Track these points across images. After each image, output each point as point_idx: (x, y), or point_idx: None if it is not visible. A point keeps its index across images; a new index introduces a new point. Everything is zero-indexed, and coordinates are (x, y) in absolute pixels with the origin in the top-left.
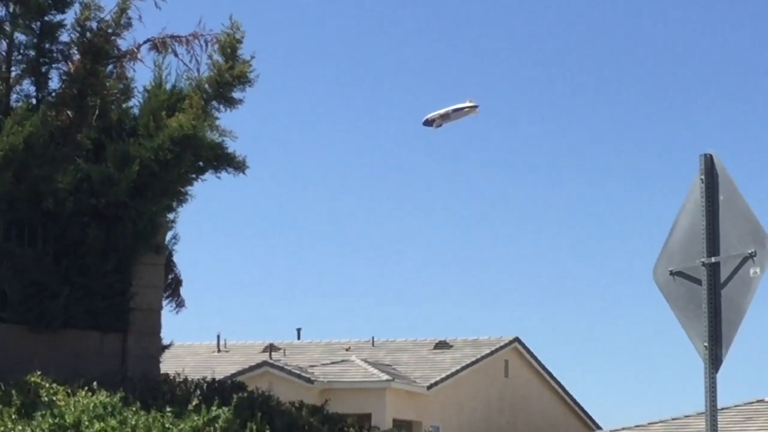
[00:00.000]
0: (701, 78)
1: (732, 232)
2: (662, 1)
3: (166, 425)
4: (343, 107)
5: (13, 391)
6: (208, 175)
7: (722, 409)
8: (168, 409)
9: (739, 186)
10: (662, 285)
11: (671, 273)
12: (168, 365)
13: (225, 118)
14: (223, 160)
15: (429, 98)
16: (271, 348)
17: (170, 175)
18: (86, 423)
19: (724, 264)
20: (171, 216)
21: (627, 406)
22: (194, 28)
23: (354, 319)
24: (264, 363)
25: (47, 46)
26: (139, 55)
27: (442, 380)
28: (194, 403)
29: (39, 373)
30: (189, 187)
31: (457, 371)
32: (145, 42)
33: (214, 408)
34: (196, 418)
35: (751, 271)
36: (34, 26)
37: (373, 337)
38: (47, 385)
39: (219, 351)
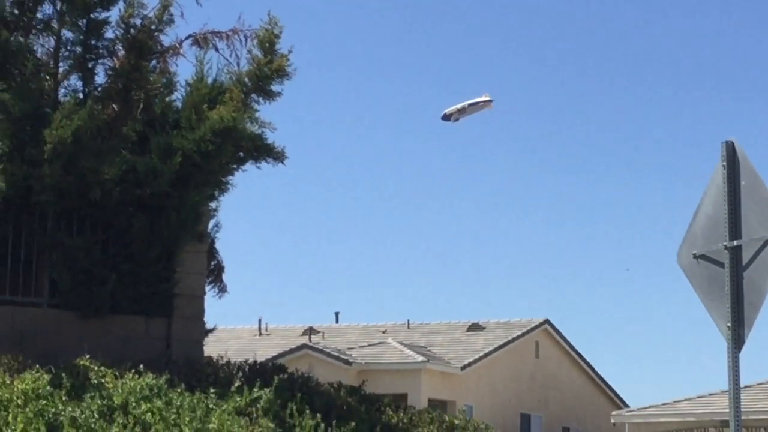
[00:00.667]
0: (723, 66)
1: (753, 217)
2: None
3: (210, 406)
4: (373, 102)
5: (64, 374)
6: (249, 165)
7: (745, 387)
8: (211, 390)
9: (760, 172)
10: (686, 268)
11: (695, 256)
12: (211, 348)
13: (264, 110)
14: (262, 150)
15: (450, 93)
16: (310, 331)
17: (212, 165)
18: (133, 404)
19: (746, 247)
20: (213, 205)
21: (653, 385)
22: (234, 24)
23: (390, 303)
24: (304, 346)
25: (93, 42)
26: (181, 51)
27: (475, 361)
28: (237, 384)
29: (88, 356)
30: (230, 177)
31: (490, 352)
32: (187, 38)
33: (255, 389)
34: (238, 399)
35: None
36: (80, 24)
37: (408, 320)
38: (96, 368)
39: (260, 334)
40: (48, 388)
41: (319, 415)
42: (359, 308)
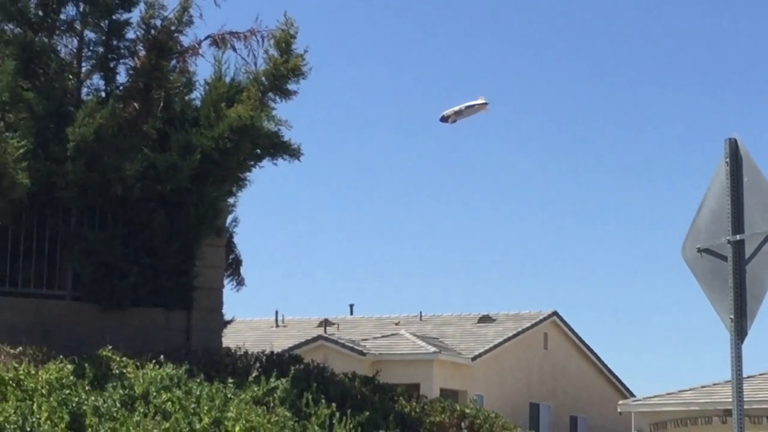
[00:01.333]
0: (725, 64)
1: (756, 212)
2: None
3: (228, 395)
4: (380, 101)
5: (87, 364)
6: (266, 162)
7: (747, 377)
8: (230, 380)
9: (762, 169)
10: (690, 261)
11: (699, 250)
12: (229, 340)
13: (281, 108)
14: (279, 147)
15: (451, 93)
16: (325, 323)
17: (230, 162)
18: (154, 393)
19: (749, 241)
20: (231, 200)
21: (659, 375)
22: (251, 24)
23: (403, 296)
24: (319, 337)
25: (115, 43)
26: (200, 51)
27: (486, 352)
28: (254, 374)
29: (110, 347)
30: (248, 174)
31: (500, 343)
32: (205, 38)
33: (272, 379)
34: (256, 388)
35: None
36: (102, 25)
37: (420, 312)
38: (118, 359)
39: (277, 326)
40: (71, 378)
41: (334, 405)
42: (373, 301)
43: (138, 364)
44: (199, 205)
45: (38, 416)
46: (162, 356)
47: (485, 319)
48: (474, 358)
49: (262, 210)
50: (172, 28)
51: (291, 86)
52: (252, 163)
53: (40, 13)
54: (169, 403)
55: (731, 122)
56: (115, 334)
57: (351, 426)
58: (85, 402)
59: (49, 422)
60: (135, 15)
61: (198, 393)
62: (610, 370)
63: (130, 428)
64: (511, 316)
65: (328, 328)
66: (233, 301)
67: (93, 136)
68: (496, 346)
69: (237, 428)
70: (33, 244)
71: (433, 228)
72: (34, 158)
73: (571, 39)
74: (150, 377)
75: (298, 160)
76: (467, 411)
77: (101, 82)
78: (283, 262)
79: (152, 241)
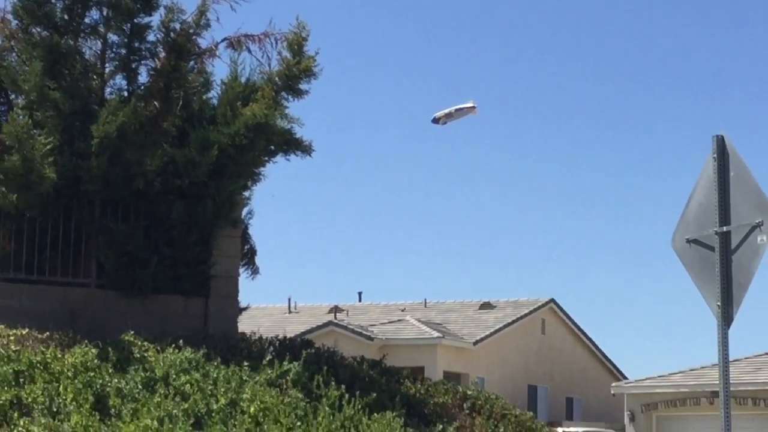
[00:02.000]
0: (714, 65)
1: (741, 205)
2: None
3: (244, 378)
4: (384, 100)
5: (110, 349)
6: (279, 158)
7: (734, 360)
8: (245, 363)
9: (748, 163)
10: (680, 252)
11: (688, 241)
12: (245, 325)
13: (293, 107)
14: (291, 144)
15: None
16: (335, 309)
17: (245, 158)
18: (174, 376)
19: (735, 232)
20: (246, 194)
21: (650, 359)
22: (265, 27)
23: (409, 284)
24: (329, 323)
25: (136, 45)
26: (217, 53)
27: (487, 337)
28: (268, 358)
29: (132, 332)
30: (262, 169)
31: (500, 329)
32: (222, 41)
33: (285, 362)
34: (269, 371)
35: (759, 238)
36: (124, 28)
37: (425, 299)
38: (139, 343)
39: (290, 312)
40: (96, 361)
41: (343, 386)
42: (380, 288)
43: (158, 348)
44: (216, 199)
45: (64, 397)
46: (181, 341)
47: (486, 306)
48: (476, 343)
49: (276, 202)
50: (191, 31)
51: (303, 86)
52: (266, 158)
53: (66, 17)
54: (188, 385)
55: (719, 119)
56: (136, 320)
57: (359, 407)
58: (109, 384)
59: (74, 403)
60: (155, 19)
61: (215, 375)
62: (604, 354)
63: (151, 409)
64: (510, 303)
65: (337, 314)
66: (248, 289)
67: (116, 133)
68: (496, 332)
69: (252, 409)
70: (59, 234)
71: (438, 220)
72: (61, 154)
73: (561, 39)
74: (170, 361)
75: (310, 156)
76: (469, 393)
77: (124, 82)
78: (295, 252)
79: (172, 232)
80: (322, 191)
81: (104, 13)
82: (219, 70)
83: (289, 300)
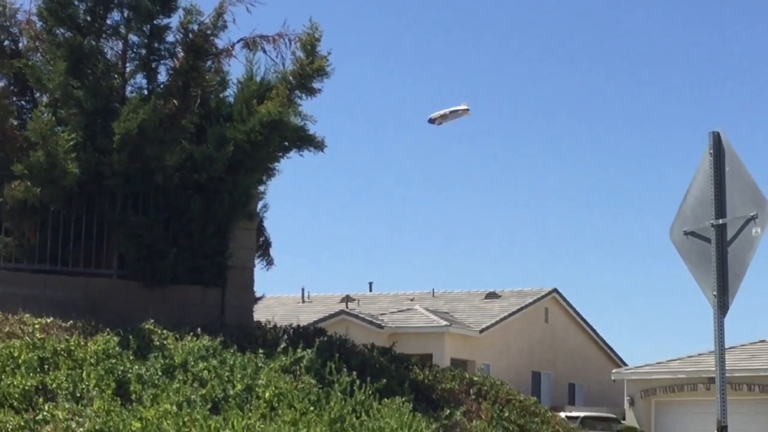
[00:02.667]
0: (710, 62)
1: (737, 198)
2: None
3: (259, 364)
4: (400, 98)
5: (131, 337)
6: (293, 153)
7: (729, 348)
8: (260, 351)
9: (743, 159)
10: (678, 243)
11: (685, 233)
12: (260, 314)
13: (306, 104)
14: (305, 140)
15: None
16: (347, 299)
17: (260, 153)
18: (192, 363)
19: (730, 225)
20: (261, 188)
21: (649, 346)
22: (279, 28)
23: (417, 274)
24: (341, 312)
25: (156, 45)
26: (233, 53)
27: (492, 325)
28: (282, 345)
29: (152, 321)
30: (276, 164)
31: (505, 318)
32: (238, 41)
33: (299, 350)
34: (284, 358)
35: (753, 231)
36: (144, 29)
37: (433, 289)
38: (159, 332)
39: (303, 302)
40: (117, 348)
41: (354, 373)
42: (390, 278)
43: (177, 336)
44: (233, 193)
45: (87, 383)
46: (199, 329)
47: (492, 296)
48: (481, 331)
49: (290, 196)
50: (208, 32)
51: (316, 85)
52: (280, 154)
53: (89, 18)
54: (206, 371)
55: (715, 117)
56: (156, 309)
57: (370, 392)
58: (130, 370)
59: (97, 388)
60: (174, 20)
61: (232, 362)
62: (605, 342)
63: (170, 394)
64: (515, 292)
65: (349, 303)
66: (263, 280)
67: (136, 129)
68: (501, 320)
69: (267, 394)
70: (82, 227)
71: (446, 213)
72: (84, 150)
73: (562, 39)
74: (188, 348)
75: (322, 151)
76: (475, 379)
77: (144, 81)
78: (308, 244)
79: (190, 225)
80: (335, 185)
81: (125, 15)
82: (235, 69)
83: (303, 290)
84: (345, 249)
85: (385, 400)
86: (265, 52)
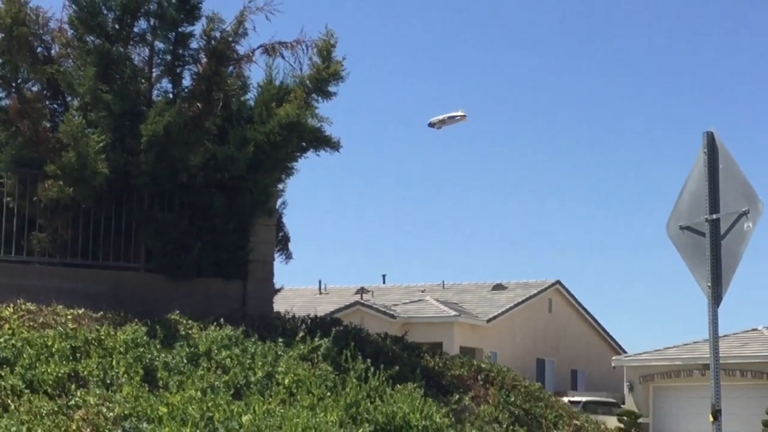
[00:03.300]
0: (705, 62)
1: (729, 194)
2: None
3: (279, 353)
4: (399, 100)
5: (158, 327)
6: (310, 154)
7: (723, 336)
8: (280, 340)
9: (735, 157)
10: (674, 238)
11: (681, 228)
12: (279, 305)
13: (322, 107)
14: (321, 141)
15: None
16: (362, 290)
17: (279, 153)
18: (215, 351)
19: (724, 220)
20: (280, 186)
21: (648, 334)
22: (297, 35)
23: (428, 267)
24: (356, 303)
25: (180, 52)
26: (253, 58)
27: (499, 315)
28: (300, 335)
29: (177, 312)
30: (294, 163)
31: (511, 308)
32: (258, 47)
33: (316, 339)
34: (302, 346)
35: (745, 225)
36: (170, 36)
37: (443, 281)
38: (184, 322)
39: (320, 293)
40: (145, 338)
41: (369, 360)
42: (403, 271)
43: (201, 326)
44: (254, 191)
45: (117, 370)
46: (222, 319)
47: (498, 287)
48: (489, 321)
49: (308, 194)
50: (230, 39)
51: (331, 88)
52: (298, 154)
53: (117, 26)
54: (228, 359)
55: (714, 115)
56: (181, 300)
57: (383, 378)
58: (157, 358)
59: (126, 376)
60: (198, 28)
61: (253, 351)
62: (605, 331)
63: (195, 381)
64: (520, 284)
65: (363, 295)
66: (282, 273)
67: (162, 131)
68: (507, 310)
69: (286, 381)
70: (112, 224)
71: (455, 209)
72: (112, 151)
73: (561, 37)
74: (212, 337)
75: (338, 152)
76: (483, 366)
77: (169, 86)
78: (325, 239)
79: (213, 221)
80: (351, 183)
81: (151, 23)
82: (255, 74)
83: (320, 282)
84: (360, 243)
85: (398, 386)
86: (283, 57)
